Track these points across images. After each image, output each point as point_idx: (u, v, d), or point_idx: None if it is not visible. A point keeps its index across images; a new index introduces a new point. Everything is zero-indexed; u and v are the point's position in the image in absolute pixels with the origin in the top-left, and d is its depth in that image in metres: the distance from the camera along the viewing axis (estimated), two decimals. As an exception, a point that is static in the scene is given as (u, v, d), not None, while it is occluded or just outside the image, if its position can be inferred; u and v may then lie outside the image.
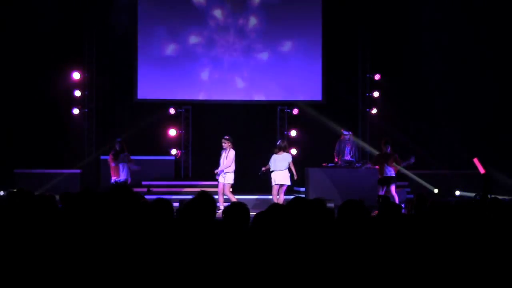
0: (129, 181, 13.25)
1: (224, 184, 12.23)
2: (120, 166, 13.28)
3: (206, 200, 4.11)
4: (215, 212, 4.22)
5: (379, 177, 12.80)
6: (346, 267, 3.69)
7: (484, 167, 11.85)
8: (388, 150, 12.84)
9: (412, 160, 12.72)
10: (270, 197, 12.66)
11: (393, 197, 12.35)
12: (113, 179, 13.27)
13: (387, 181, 12.68)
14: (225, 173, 12.24)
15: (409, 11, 15.81)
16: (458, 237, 4.17)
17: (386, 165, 12.68)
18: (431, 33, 15.76)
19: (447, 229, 4.31)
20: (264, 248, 3.67)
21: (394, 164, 12.66)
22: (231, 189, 12.41)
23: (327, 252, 3.76)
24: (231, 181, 12.31)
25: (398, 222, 4.60)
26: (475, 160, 11.60)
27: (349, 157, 13.61)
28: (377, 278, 3.70)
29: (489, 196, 9.82)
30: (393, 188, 12.63)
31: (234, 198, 12.08)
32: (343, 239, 3.94)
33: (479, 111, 15.46)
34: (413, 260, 3.88)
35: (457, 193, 14.33)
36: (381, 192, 12.55)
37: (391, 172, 12.69)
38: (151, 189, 13.94)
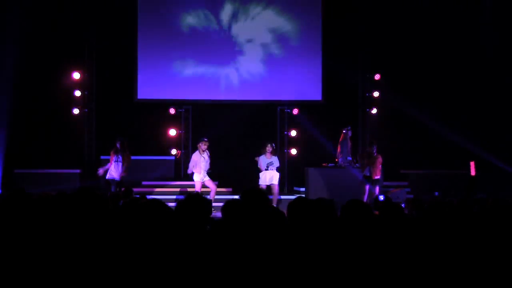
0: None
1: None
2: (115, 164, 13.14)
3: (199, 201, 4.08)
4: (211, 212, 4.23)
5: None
6: (347, 266, 3.68)
7: (476, 171, 12.02)
8: (374, 151, 12.81)
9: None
10: (271, 197, 12.70)
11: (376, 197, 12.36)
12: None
13: (367, 180, 12.71)
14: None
15: (409, 10, 15.79)
16: (454, 235, 4.18)
17: (367, 165, 12.69)
18: (431, 32, 15.75)
19: (446, 228, 4.31)
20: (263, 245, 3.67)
21: (378, 165, 12.61)
22: None
23: (329, 251, 3.75)
24: None
25: (401, 222, 4.58)
26: (472, 163, 11.77)
27: (350, 156, 13.62)
28: (378, 278, 3.70)
29: (471, 197, 10.01)
30: (377, 189, 12.59)
31: None
32: (346, 238, 3.93)
33: (479, 111, 15.45)
34: (416, 259, 3.88)
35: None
36: (366, 192, 12.51)
37: (367, 172, 12.69)
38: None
